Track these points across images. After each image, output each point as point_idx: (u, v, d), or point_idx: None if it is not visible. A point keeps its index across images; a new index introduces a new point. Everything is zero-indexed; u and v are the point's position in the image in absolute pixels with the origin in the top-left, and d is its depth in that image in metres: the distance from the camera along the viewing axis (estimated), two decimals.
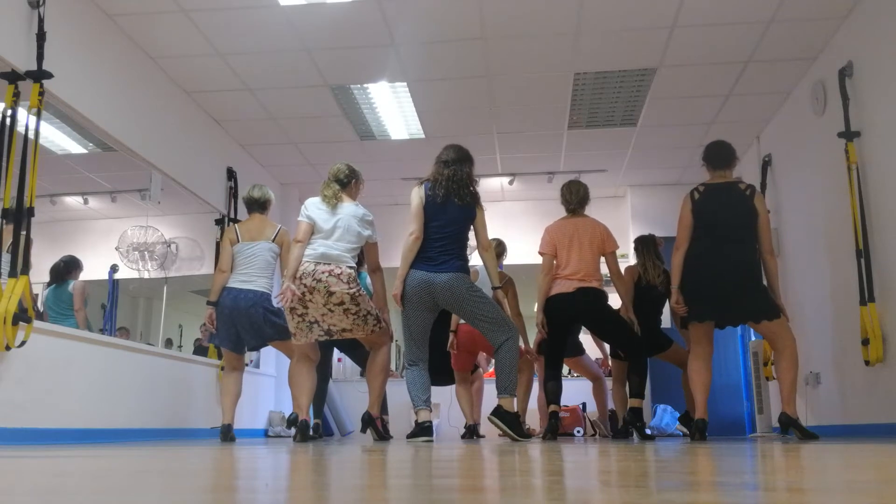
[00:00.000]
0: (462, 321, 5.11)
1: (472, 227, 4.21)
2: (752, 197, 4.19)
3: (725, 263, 4.13)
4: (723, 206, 4.20)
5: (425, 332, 4.16)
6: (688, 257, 4.27)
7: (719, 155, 4.33)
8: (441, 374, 5.31)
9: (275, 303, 4.55)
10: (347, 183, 4.36)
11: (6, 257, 3.64)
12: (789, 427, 4.00)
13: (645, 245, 5.37)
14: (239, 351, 4.76)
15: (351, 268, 4.18)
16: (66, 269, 5.41)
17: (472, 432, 5.41)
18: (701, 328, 4.25)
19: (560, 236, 4.66)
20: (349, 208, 4.26)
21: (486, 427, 5.25)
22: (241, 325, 4.59)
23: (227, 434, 4.59)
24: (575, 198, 4.74)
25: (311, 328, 4.19)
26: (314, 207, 4.26)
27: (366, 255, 4.44)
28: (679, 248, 4.29)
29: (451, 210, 4.11)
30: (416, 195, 4.17)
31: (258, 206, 4.87)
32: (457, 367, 5.46)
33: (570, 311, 4.60)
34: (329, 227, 4.19)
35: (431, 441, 4.03)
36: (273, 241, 4.74)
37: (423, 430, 4.01)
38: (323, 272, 4.08)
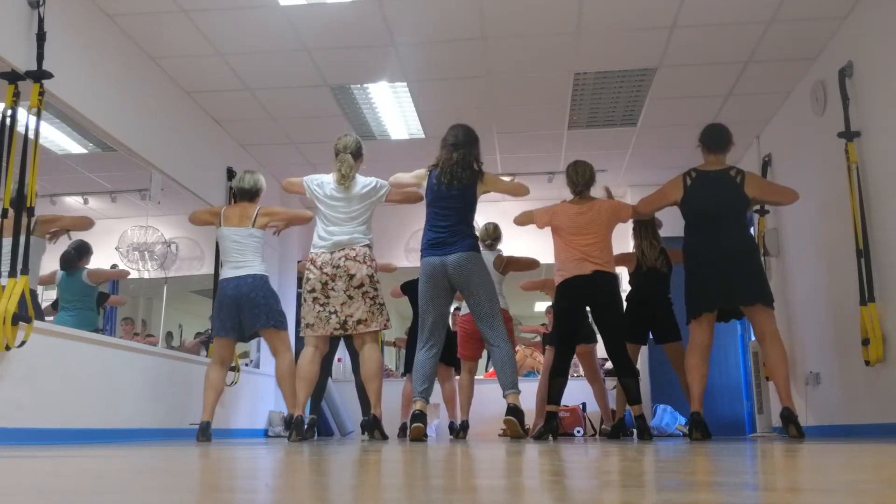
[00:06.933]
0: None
1: (475, 203, 4.28)
2: (743, 184, 4.20)
3: (722, 251, 4.14)
4: (713, 195, 4.22)
5: (443, 318, 4.24)
6: (686, 249, 4.29)
7: (714, 138, 4.34)
8: (447, 360, 5.38)
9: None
10: (359, 154, 4.47)
11: (6, 248, 3.62)
12: (791, 422, 3.98)
13: (643, 226, 5.33)
14: (237, 337, 4.68)
15: (365, 245, 4.33)
16: (77, 255, 5.32)
17: (463, 429, 5.41)
18: (704, 319, 4.23)
19: (567, 222, 4.58)
20: (356, 188, 4.39)
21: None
22: (244, 312, 4.55)
23: (205, 432, 4.46)
24: (581, 179, 4.66)
25: (329, 319, 4.27)
26: (323, 196, 4.39)
27: (395, 200, 4.56)
28: (641, 208, 4.55)
29: (455, 192, 4.19)
30: (421, 175, 4.35)
31: (247, 195, 4.83)
32: (464, 356, 5.44)
33: (586, 294, 4.53)
34: (340, 215, 4.34)
35: (423, 430, 4.05)
36: (254, 226, 4.68)
37: (413, 417, 4.06)
38: (340, 257, 4.26)
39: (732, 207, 4.19)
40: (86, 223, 4.85)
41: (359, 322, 4.26)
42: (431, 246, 4.16)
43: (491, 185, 4.28)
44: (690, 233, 4.30)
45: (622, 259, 5.18)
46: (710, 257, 4.17)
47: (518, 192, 4.35)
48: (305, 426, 4.48)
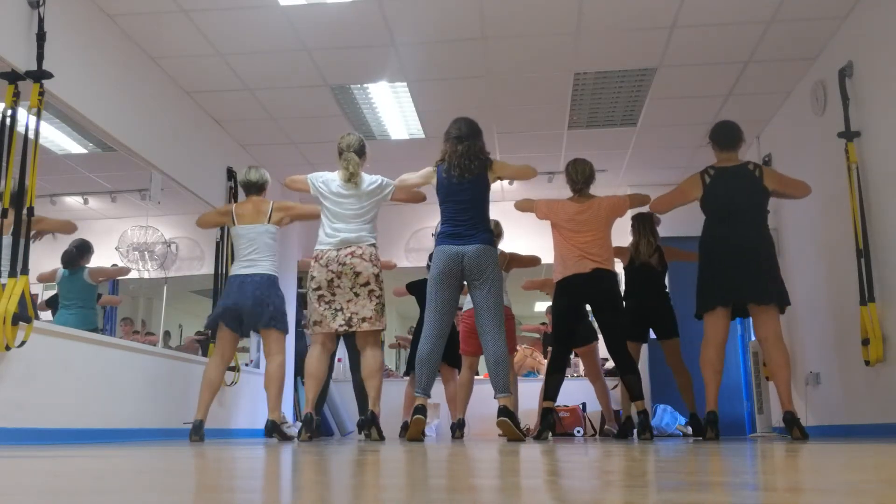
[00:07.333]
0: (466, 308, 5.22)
1: (489, 192, 4.28)
2: (762, 178, 4.19)
3: (730, 248, 4.13)
4: (735, 190, 4.20)
5: (451, 310, 4.24)
6: (701, 245, 4.27)
7: (725, 135, 4.33)
8: (450, 360, 5.37)
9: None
10: (363, 153, 4.49)
11: (6, 249, 3.62)
12: (794, 425, 3.97)
13: (642, 223, 5.32)
14: (237, 330, 4.67)
15: (371, 245, 4.36)
16: (79, 253, 5.32)
17: (459, 427, 5.42)
18: (717, 313, 4.21)
19: (566, 220, 4.57)
20: (364, 185, 4.42)
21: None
22: (244, 309, 4.56)
23: (198, 431, 4.43)
24: (581, 177, 4.66)
25: (336, 316, 4.30)
26: (329, 193, 4.40)
27: (399, 199, 4.61)
28: (657, 207, 4.49)
29: (467, 185, 4.20)
30: (428, 174, 4.35)
31: (255, 189, 4.87)
32: (466, 351, 5.44)
33: (586, 292, 4.53)
34: (347, 212, 4.37)
35: (423, 422, 4.05)
36: (269, 222, 4.74)
37: (415, 410, 4.08)
38: (346, 255, 4.29)
39: (753, 201, 4.17)
40: (69, 227, 4.90)
41: (363, 320, 4.29)
42: (449, 236, 4.17)
43: (499, 171, 4.31)
44: (707, 230, 4.29)
45: (616, 252, 5.18)
46: (718, 253, 4.17)
47: (526, 174, 4.38)
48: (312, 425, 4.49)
